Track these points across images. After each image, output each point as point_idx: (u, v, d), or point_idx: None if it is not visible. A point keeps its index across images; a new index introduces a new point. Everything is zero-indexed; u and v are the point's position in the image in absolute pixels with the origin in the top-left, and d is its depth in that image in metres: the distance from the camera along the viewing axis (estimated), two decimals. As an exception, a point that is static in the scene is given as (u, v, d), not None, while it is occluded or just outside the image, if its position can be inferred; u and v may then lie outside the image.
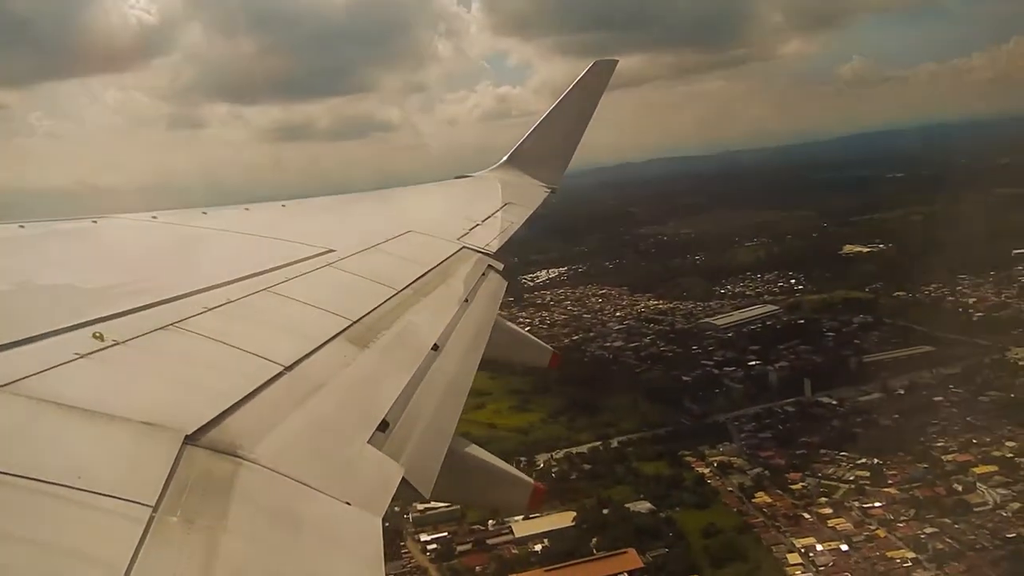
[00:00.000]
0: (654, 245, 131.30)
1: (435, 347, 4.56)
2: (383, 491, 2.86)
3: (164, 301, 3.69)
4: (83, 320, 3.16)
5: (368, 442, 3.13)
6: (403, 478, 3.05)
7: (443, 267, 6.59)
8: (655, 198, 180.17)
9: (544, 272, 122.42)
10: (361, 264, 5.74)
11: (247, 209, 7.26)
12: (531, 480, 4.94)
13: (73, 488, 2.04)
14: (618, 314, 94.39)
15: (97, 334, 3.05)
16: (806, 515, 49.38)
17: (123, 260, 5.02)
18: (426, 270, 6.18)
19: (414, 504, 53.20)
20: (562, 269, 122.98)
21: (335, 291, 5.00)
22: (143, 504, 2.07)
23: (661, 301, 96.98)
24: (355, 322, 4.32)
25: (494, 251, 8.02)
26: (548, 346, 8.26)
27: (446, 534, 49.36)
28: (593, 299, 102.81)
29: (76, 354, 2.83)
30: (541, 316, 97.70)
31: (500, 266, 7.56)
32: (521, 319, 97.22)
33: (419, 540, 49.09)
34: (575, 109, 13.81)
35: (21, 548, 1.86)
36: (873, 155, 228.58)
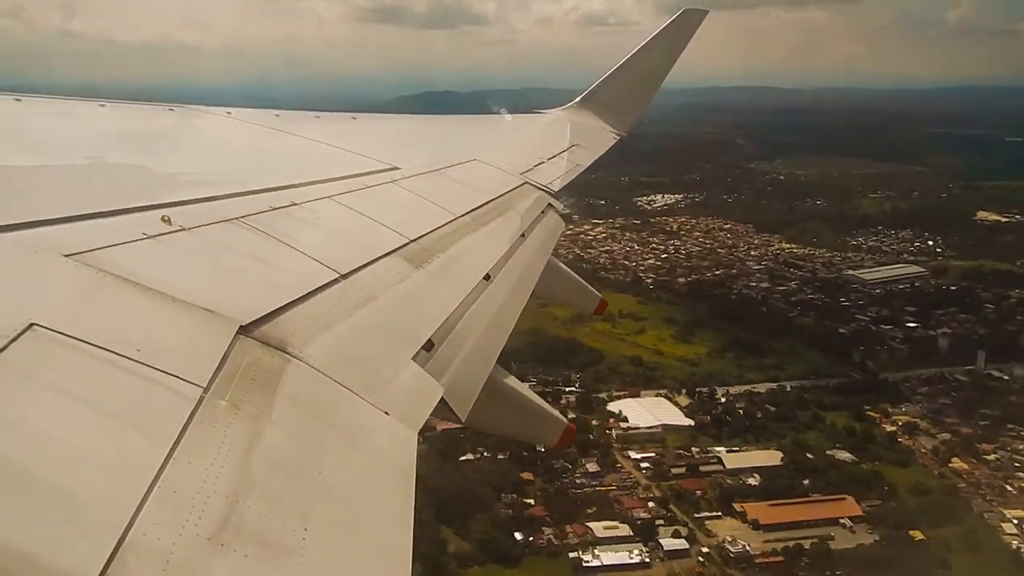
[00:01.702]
0: (770, 184, 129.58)
1: (487, 277, 4.65)
2: (422, 407, 2.98)
3: (231, 195, 3.82)
4: (154, 203, 3.30)
5: (412, 359, 3.26)
6: (442, 398, 3.19)
7: (504, 199, 6.62)
8: (755, 131, 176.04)
9: (660, 197, 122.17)
10: (424, 185, 5.79)
11: (318, 117, 7.48)
12: (564, 419, 5.07)
13: (131, 359, 2.17)
14: (753, 253, 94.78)
15: (165, 217, 3.18)
16: (1008, 487, 49.63)
17: (197, 151, 5.16)
18: (486, 200, 6.23)
19: (617, 421, 56.52)
20: (678, 196, 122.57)
21: (396, 208, 5.07)
22: (195, 384, 2.21)
23: (794, 245, 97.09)
24: (412, 241, 4.42)
25: (556, 190, 8.05)
26: (597, 292, 8.42)
27: (653, 454, 52.25)
28: (721, 233, 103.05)
29: (144, 234, 2.97)
30: (674, 244, 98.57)
31: (560, 205, 7.61)
32: (653, 244, 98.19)
33: (629, 457, 51.93)
34: (657, 57, 13.30)
35: (79, 408, 1.98)
36: (980, 112, 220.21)
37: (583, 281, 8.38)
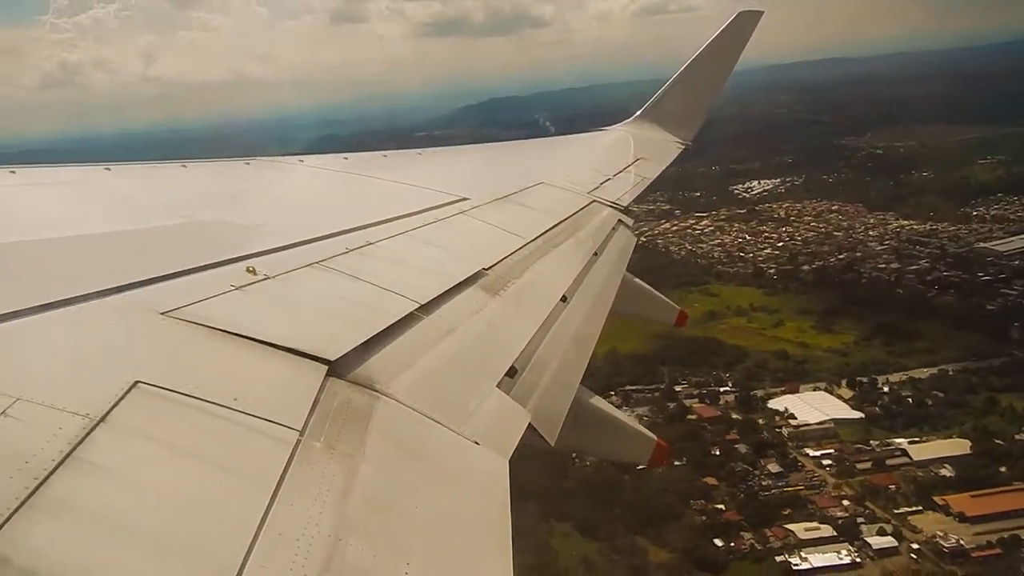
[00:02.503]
0: (869, 160, 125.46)
1: (563, 298, 4.66)
2: (510, 434, 2.97)
3: (310, 241, 3.96)
4: (239, 255, 3.46)
5: (497, 386, 3.26)
6: (530, 423, 3.18)
7: (573, 220, 6.63)
8: (831, 106, 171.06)
9: (756, 183, 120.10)
10: (494, 213, 5.84)
11: (385, 156, 7.65)
12: (654, 436, 4.88)
13: (230, 408, 2.26)
14: (872, 234, 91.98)
15: (251, 268, 3.31)
16: None
17: (275, 201, 5.35)
18: (557, 222, 6.26)
19: (785, 419, 55.81)
20: (775, 181, 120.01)
21: (468, 238, 5.15)
22: (291, 428, 2.28)
23: (913, 222, 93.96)
24: (487, 269, 4.45)
25: (625, 205, 8.02)
26: (675, 305, 8.28)
27: (831, 451, 51.66)
28: (831, 216, 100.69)
29: (232, 286, 3.10)
30: (787, 231, 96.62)
31: (630, 221, 7.55)
32: (765, 233, 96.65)
33: (808, 455, 51.52)
34: (715, 63, 13.19)
35: (185, 461, 2.07)
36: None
37: (660, 295, 8.38)
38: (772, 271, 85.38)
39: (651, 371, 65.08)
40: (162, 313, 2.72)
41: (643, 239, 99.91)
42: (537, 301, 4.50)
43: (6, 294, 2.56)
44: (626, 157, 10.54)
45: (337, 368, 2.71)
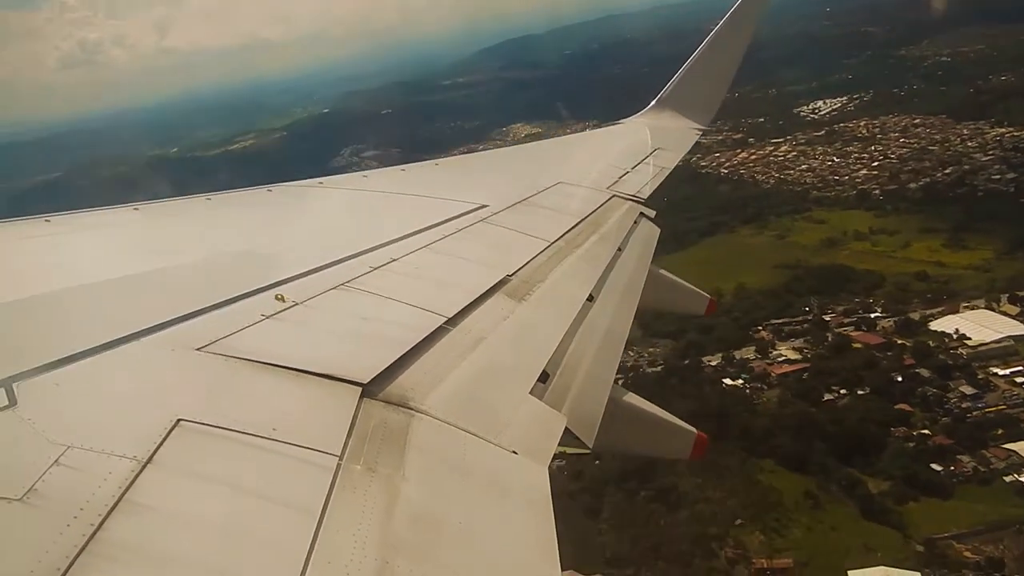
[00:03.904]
0: (937, 68, 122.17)
1: (590, 298, 4.69)
2: (548, 441, 3.03)
3: (334, 263, 4.05)
4: (267, 283, 3.57)
5: (530, 393, 3.33)
6: (566, 427, 3.23)
7: (594, 217, 6.62)
8: (874, 15, 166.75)
9: (823, 103, 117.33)
10: (514, 217, 5.87)
11: (403, 170, 7.75)
12: (692, 429, 4.82)
13: (269, 439, 2.35)
14: (971, 144, 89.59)
15: (279, 296, 3.43)
16: None
17: (297, 227, 5.44)
18: (577, 220, 6.23)
19: (959, 340, 54.65)
20: (841, 99, 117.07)
21: (490, 246, 5.19)
22: (330, 453, 2.36)
23: (1012, 129, 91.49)
24: (511, 275, 4.51)
25: (645, 198, 7.95)
26: (704, 293, 8.14)
27: (1021, 367, 49.85)
28: (918, 130, 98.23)
29: (262, 315, 3.22)
30: (877, 150, 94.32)
31: (652, 213, 7.48)
32: (855, 154, 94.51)
33: (997, 374, 49.88)
34: (725, 48, 13.03)
35: (231, 494, 2.15)
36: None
37: (689, 284, 8.23)
38: (876, 192, 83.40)
39: (788, 303, 64.13)
40: (197, 349, 2.81)
41: (724, 170, 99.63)
42: (563, 303, 4.52)
43: (47, 344, 2.66)
44: (643, 148, 10.47)
45: (370, 389, 2.78)
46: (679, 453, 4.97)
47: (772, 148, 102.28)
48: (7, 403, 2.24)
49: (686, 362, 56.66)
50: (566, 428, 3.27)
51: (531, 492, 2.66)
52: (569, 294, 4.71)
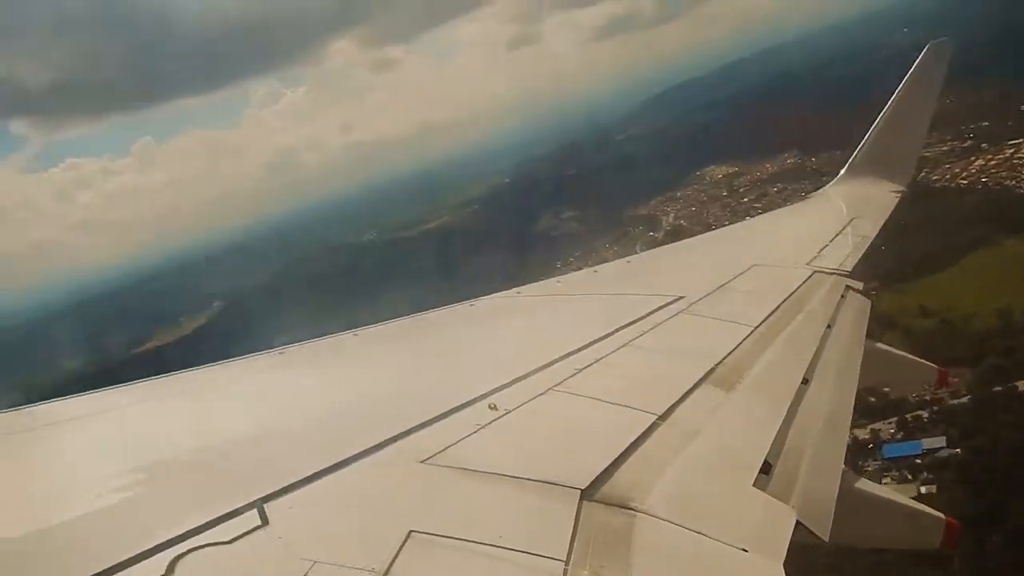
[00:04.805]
0: None
1: (804, 381, 4.51)
2: (779, 536, 2.90)
3: (541, 368, 4.16)
4: (479, 394, 3.68)
5: (753, 485, 3.21)
6: (797, 519, 3.08)
7: (797, 296, 6.41)
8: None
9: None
10: (712, 306, 5.80)
11: (596, 271, 8.26)
12: (940, 515, 4.46)
13: (497, 547, 2.41)
14: None
15: (492, 405, 3.53)
16: None
17: (503, 334, 5.74)
18: (779, 302, 6.07)
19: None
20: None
21: (692, 337, 5.16)
22: (556, 559, 2.38)
23: None
24: (718, 365, 4.41)
25: (850, 270, 7.57)
26: (930, 364, 7.54)
27: None
28: None
29: (478, 425, 3.32)
30: None
31: (859, 285, 7.15)
32: None
33: None
34: (915, 102, 12.26)
35: None
36: None
37: (913, 356, 7.59)
38: None
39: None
40: (421, 461, 2.98)
41: (963, 181, 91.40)
42: (776, 388, 4.38)
43: (289, 465, 2.87)
44: (839, 218, 10.09)
45: (590, 491, 2.81)
46: (926, 541, 4.62)
47: (1012, 151, 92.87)
48: (260, 523, 2.45)
49: (997, 389, 50.79)
50: (797, 521, 3.10)
51: None
52: (781, 378, 4.56)
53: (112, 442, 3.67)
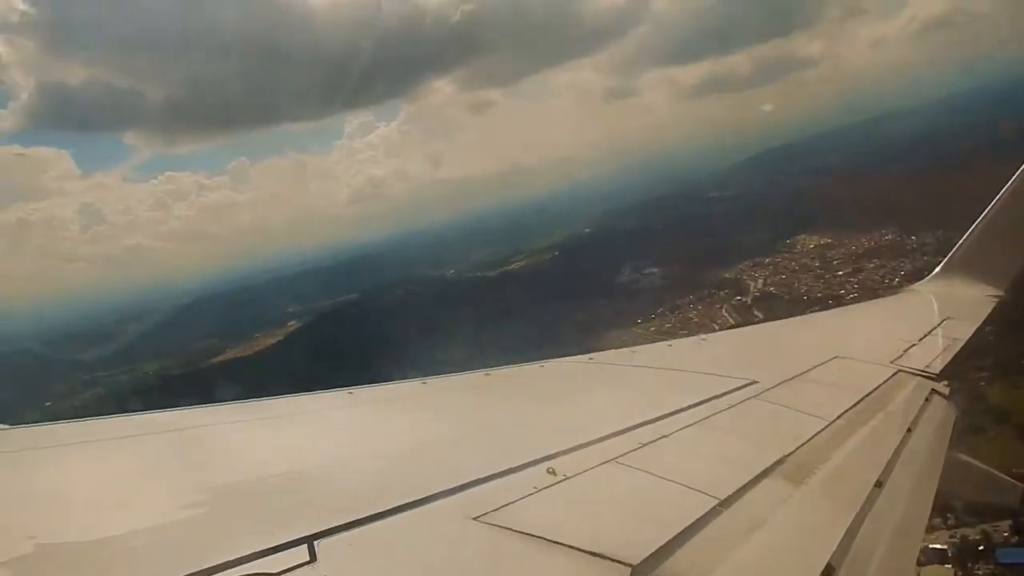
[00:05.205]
0: None
1: (878, 484, 4.38)
2: None
3: (604, 438, 4.10)
4: (538, 456, 3.66)
5: None
6: None
7: (878, 394, 6.23)
8: None
9: None
10: (787, 394, 5.69)
11: (670, 346, 7.97)
12: None
13: None
14: None
15: (550, 469, 3.52)
16: None
17: (568, 399, 5.65)
18: (859, 398, 5.89)
19: None
20: None
21: (763, 424, 5.05)
22: None
23: None
24: (787, 456, 4.32)
25: (937, 373, 7.28)
26: (1016, 482, 7.12)
27: None
28: None
29: (535, 488, 3.32)
30: None
31: (945, 390, 6.87)
32: None
33: None
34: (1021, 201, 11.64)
35: None
36: None
37: (994, 471, 7.18)
38: None
39: None
40: (474, 518, 3.00)
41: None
42: (848, 488, 4.26)
43: (343, 505, 2.92)
44: (931, 318, 9.64)
45: (641, 569, 2.81)
46: None
47: None
48: (309, 559, 2.52)
49: None
50: None
51: None
52: (854, 478, 4.39)
53: (178, 461, 3.80)
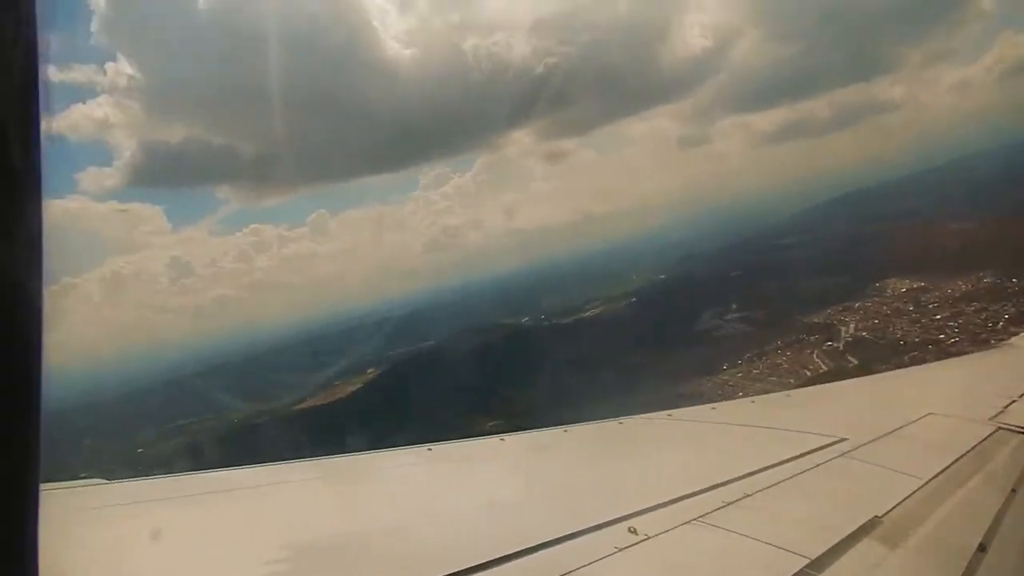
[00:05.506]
0: None
1: (981, 547, 4.12)
2: None
3: (686, 496, 4.06)
4: (620, 515, 3.64)
5: None
6: None
7: (976, 452, 5.92)
8: None
9: None
10: (878, 452, 5.51)
11: (753, 402, 8.17)
12: None
13: None
14: None
15: (632, 528, 3.49)
16: None
17: (649, 457, 5.63)
18: (956, 456, 5.62)
19: None
20: None
21: (854, 483, 4.90)
22: None
23: None
24: (881, 517, 4.17)
25: None
26: None
27: None
28: None
29: (615, 548, 3.29)
30: None
31: None
32: None
33: None
34: None
35: None
36: None
37: None
38: None
39: None
40: None
41: None
42: (948, 552, 4.07)
43: (423, 563, 3.00)
44: None
45: None
46: None
47: None
48: None
49: None
50: None
51: None
52: (954, 542, 4.21)
53: (264, 516, 3.99)
